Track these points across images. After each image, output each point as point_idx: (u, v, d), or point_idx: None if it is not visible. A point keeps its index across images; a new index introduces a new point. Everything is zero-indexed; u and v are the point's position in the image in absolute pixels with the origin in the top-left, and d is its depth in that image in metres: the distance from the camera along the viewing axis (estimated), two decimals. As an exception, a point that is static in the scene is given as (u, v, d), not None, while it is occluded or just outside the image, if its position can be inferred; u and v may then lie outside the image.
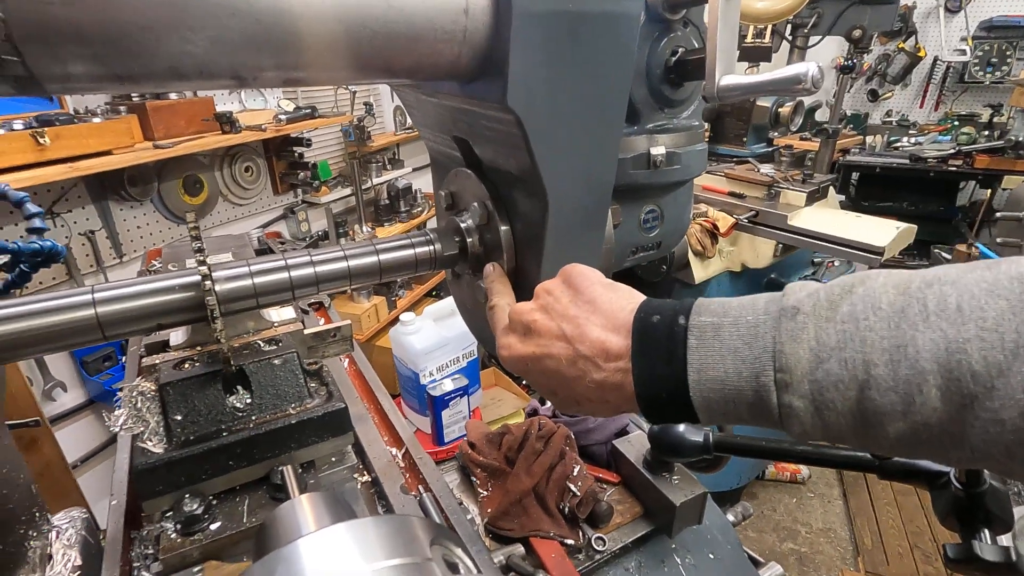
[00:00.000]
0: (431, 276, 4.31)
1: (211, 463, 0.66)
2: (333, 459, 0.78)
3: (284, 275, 0.64)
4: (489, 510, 1.01)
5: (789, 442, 0.91)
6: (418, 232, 0.74)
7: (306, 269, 0.66)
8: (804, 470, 3.46)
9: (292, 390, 0.73)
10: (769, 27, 2.98)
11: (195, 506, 0.63)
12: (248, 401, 0.71)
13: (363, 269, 0.69)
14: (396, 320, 1.97)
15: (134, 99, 2.30)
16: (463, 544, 0.34)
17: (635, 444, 1.08)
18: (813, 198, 2.47)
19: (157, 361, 0.71)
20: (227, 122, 2.51)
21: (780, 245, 2.59)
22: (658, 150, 0.76)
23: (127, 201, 2.58)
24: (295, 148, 3.41)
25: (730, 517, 1.14)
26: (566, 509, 0.98)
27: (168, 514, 0.64)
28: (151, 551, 0.67)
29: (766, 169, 2.63)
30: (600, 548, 0.93)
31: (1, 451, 0.72)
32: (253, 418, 0.70)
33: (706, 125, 2.91)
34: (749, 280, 2.62)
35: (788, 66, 0.59)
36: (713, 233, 2.41)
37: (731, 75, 0.64)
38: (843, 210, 2.60)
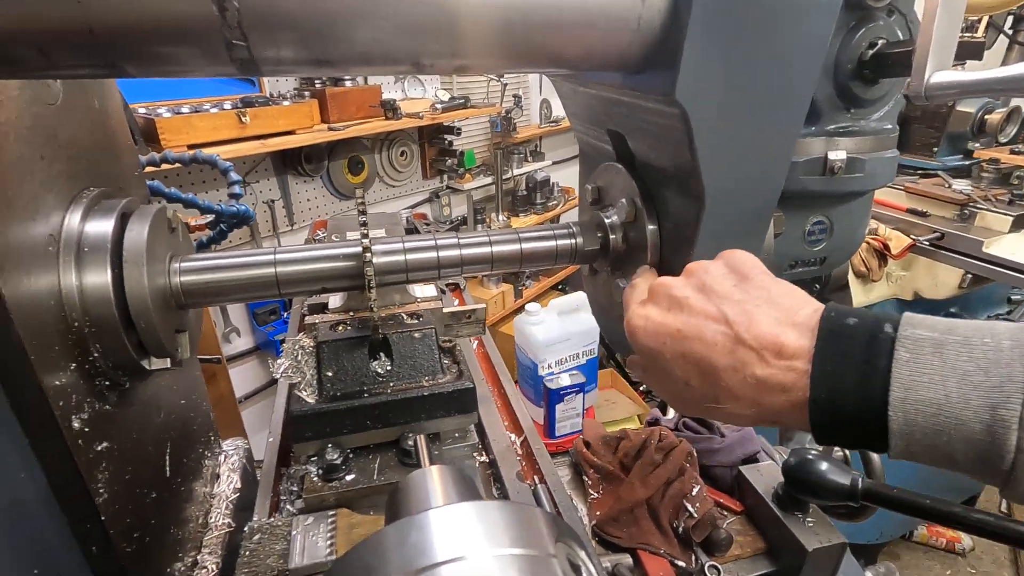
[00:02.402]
0: (560, 269, 4.33)
1: (352, 420, 0.72)
2: (456, 435, 0.82)
3: (433, 254, 0.68)
4: (599, 513, 0.98)
5: (962, 506, 0.77)
6: (561, 225, 0.73)
7: (453, 251, 0.68)
8: (966, 539, 2.93)
9: (427, 363, 0.77)
10: (984, 19, 2.52)
11: (335, 456, 0.69)
12: (388, 368, 0.76)
13: (505, 256, 0.70)
14: (521, 309, 2.00)
15: (316, 85, 2.59)
16: (586, 547, 0.33)
17: (765, 474, 0.99)
18: (1021, 223, 2.06)
19: (317, 321, 0.78)
20: (390, 109, 2.72)
21: (968, 275, 2.21)
22: (837, 155, 0.68)
23: (302, 176, 2.92)
24: (446, 136, 3.61)
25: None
26: (680, 528, 0.93)
27: (313, 459, 0.72)
28: (295, 488, 0.75)
29: (960, 185, 2.25)
30: (714, 578, 0.87)
31: (193, 380, 0.86)
32: (391, 384, 0.75)
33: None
34: (922, 312, 2.27)
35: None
36: (882, 254, 2.12)
37: (945, 71, 0.55)
38: (1062, 241, 2.14)
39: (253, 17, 0.39)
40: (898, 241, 2.13)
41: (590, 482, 1.06)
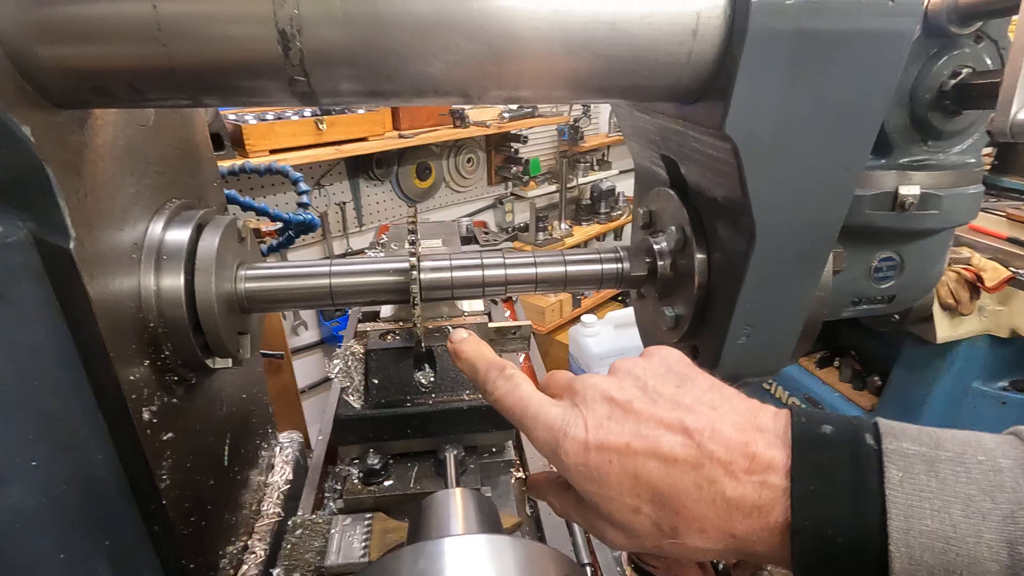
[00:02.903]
0: (619, 281, 4.27)
1: (394, 427, 0.75)
2: (493, 449, 0.83)
3: (478, 273, 0.69)
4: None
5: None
6: (608, 248, 0.73)
7: (498, 270, 0.70)
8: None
9: (469, 378, 0.79)
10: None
11: (375, 461, 0.72)
12: (432, 380, 0.78)
13: (549, 277, 0.71)
14: (578, 319, 2.00)
15: (390, 94, 2.70)
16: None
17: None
18: None
19: (368, 329, 0.82)
20: (458, 118, 2.80)
21: (1079, 315, 1.98)
22: (910, 190, 0.64)
23: (372, 180, 3.05)
24: (512, 144, 3.66)
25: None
26: (720, 566, 0.89)
27: (355, 461, 0.75)
28: (338, 487, 0.79)
29: (1074, 214, 2.03)
30: (753, 623, 0.83)
31: (254, 376, 0.92)
32: (433, 396, 0.77)
33: (987, 154, 2.34)
34: (1019, 352, 2.06)
35: None
36: (974, 286, 1.94)
37: (1037, 106, 0.50)
38: None
39: (314, 57, 0.42)
40: (994, 272, 1.94)
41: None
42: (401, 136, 2.58)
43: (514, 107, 3.33)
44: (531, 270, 0.71)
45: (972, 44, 0.61)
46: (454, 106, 3.06)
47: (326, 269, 0.66)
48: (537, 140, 4.12)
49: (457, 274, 0.69)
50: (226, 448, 0.76)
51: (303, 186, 0.97)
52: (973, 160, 0.66)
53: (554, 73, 0.47)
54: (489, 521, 0.42)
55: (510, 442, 0.85)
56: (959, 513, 0.29)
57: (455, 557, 0.30)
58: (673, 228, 0.69)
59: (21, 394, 0.47)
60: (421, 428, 0.75)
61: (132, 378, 0.53)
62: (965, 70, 0.60)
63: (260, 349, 1.04)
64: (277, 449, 1.02)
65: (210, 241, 0.61)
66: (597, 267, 0.72)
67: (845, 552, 0.30)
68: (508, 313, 1.43)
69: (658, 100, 0.54)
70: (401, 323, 0.83)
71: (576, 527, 0.76)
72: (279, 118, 2.16)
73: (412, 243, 0.63)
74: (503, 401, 0.44)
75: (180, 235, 0.60)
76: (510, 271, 0.70)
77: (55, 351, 0.50)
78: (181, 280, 0.58)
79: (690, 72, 0.48)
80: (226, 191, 0.89)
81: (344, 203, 2.96)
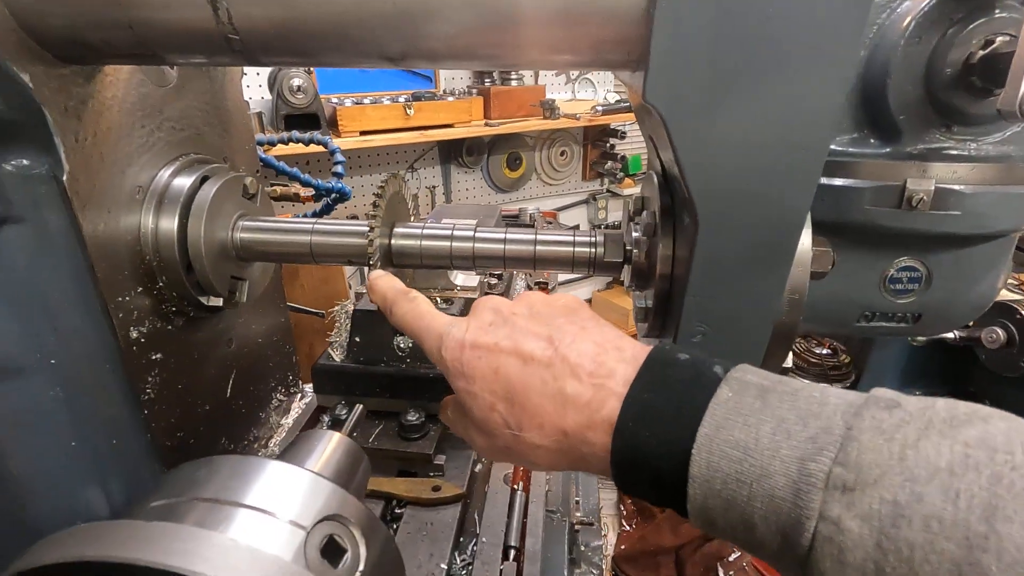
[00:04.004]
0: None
1: (365, 384, 0.79)
2: (465, 422, 0.84)
3: (446, 244, 0.71)
4: (623, 547, 0.93)
5: None
6: (584, 232, 0.71)
7: (466, 243, 0.71)
8: None
9: (446, 348, 0.81)
10: None
11: (342, 412, 0.77)
12: (410, 346, 0.81)
13: (518, 254, 0.71)
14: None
15: (485, 83, 2.78)
16: (385, 537, 0.34)
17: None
18: None
19: (363, 291, 0.87)
20: (548, 108, 2.80)
21: None
22: (920, 184, 0.54)
23: (462, 167, 3.16)
24: (609, 139, 3.58)
25: None
26: (698, 585, 0.83)
27: (325, 411, 0.81)
28: (320, 433, 0.85)
29: None
30: (717, 651, 0.76)
31: (277, 325, 1.01)
32: (407, 361, 0.80)
33: None
34: None
35: None
36: None
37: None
38: None
39: (243, 19, 0.46)
40: None
41: (625, 512, 1.00)
42: (487, 124, 2.64)
43: (613, 100, 3.26)
44: (499, 246, 0.70)
45: (1017, 6, 0.51)
46: (561, 83, 3.05)
47: (309, 227, 0.72)
48: (638, 136, 3.98)
49: (427, 243, 0.71)
50: (230, 383, 0.85)
51: (339, 157, 1.05)
52: (1017, 152, 0.55)
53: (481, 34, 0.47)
54: (345, 470, 0.43)
55: (483, 417, 0.85)
56: (767, 430, 0.28)
57: (241, 472, 0.33)
58: (646, 213, 0.65)
59: (43, 304, 0.57)
60: (390, 389, 0.79)
61: (120, 300, 0.62)
62: (999, 38, 0.50)
63: (295, 304, 1.14)
64: (298, 397, 1.12)
65: (207, 190, 0.69)
66: (568, 249, 0.70)
67: (655, 454, 0.31)
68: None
69: (606, 67, 0.52)
70: (393, 289, 0.86)
71: (517, 508, 0.75)
72: (375, 102, 2.32)
73: (375, 205, 0.66)
74: (404, 318, 0.49)
75: (183, 183, 0.68)
76: (479, 245, 0.71)
77: (70, 270, 0.59)
78: (176, 223, 0.66)
79: (612, 35, 0.46)
80: (264, 156, 0.98)
81: (434, 187, 3.11)
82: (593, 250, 0.70)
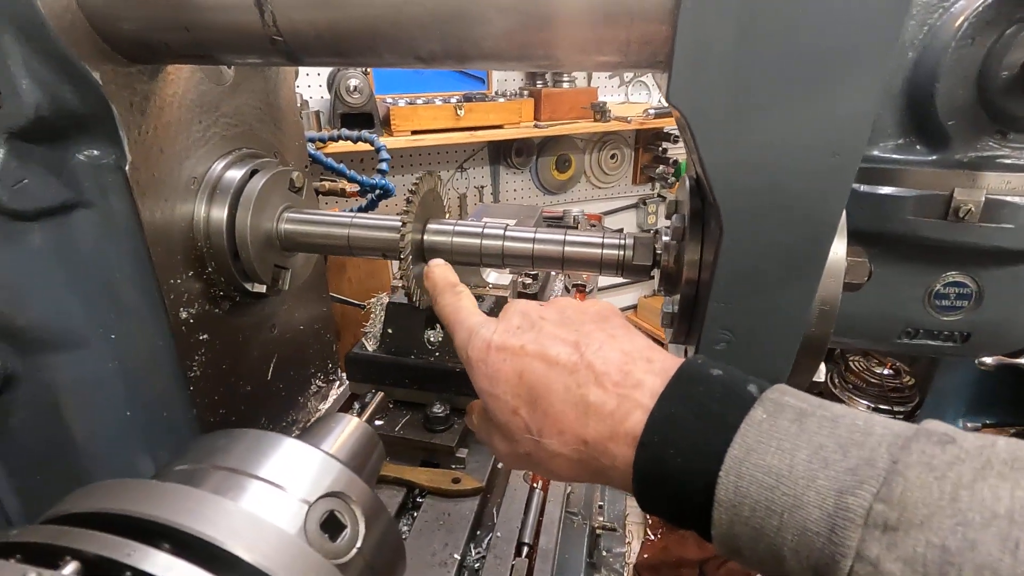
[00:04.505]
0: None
1: (395, 375, 0.82)
2: (491, 417, 0.85)
3: (476, 241, 0.72)
4: (645, 556, 0.92)
5: None
6: (613, 233, 0.71)
7: (496, 241, 0.72)
8: None
9: (474, 343, 0.83)
10: None
11: (369, 401, 0.80)
12: (440, 340, 0.83)
13: (546, 254, 0.71)
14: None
15: (536, 85, 2.79)
16: (387, 520, 0.35)
17: None
18: None
19: (400, 284, 0.90)
20: (599, 111, 2.78)
21: None
22: (969, 195, 0.51)
23: (511, 168, 3.18)
24: (662, 143, 3.52)
25: None
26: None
27: (357, 398, 0.84)
28: (352, 420, 0.89)
29: None
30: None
31: (318, 314, 1.06)
32: (436, 354, 0.82)
33: None
34: None
35: None
36: None
37: None
38: None
39: (286, 22, 0.49)
40: None
41: (651, 521, 0.99)
42: (536, 126, 2.65)
43: (665, 103, 3.18)
44: (528, 245, 0.71)
45: (1084, 13, 0.47)
46: (615, 86, 3.03)
47: (348, 220, 0.75)
48: (692, 141, 3.90)
49: (457, 240, 0.73)
50: (271, 365, 0.90)
51: (384, 154, 1.09)
52: (1081, 166, 0.51)
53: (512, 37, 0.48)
54: (359, 454, 0.45)
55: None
56: (803, 457, 0.26)
57: (259, 447, 0.35)
58: (675, 216, 0.64)
59: (106, 282, 0.63)
60: (418, 381, 0.81)
61: (172, 282, 0.67)
62: (1064, 46, 0.46)
63: (339, 295, 1.19)
64: (336, 384, 1.17)
65: (255, 183, 0.73)
66: (597, 251, 0.70)
67: (680, 472, 0.29)
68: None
69: (627, 68, 0.52)
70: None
71: (534, 508, 0.75)
72: (428, 103, 2.38)
73: (408, 202, 0.68)
74: (444, 309, 0.50)
75: (234, 175, 0.73)
76: (508, 243, 0.72)
77: (131, 252, 0.64)
78: (225, 212, 0.71)
79: (637, 35, 0.46)
80: (313, 152, 1.03)
81: (482, 187, 3.15)
82: (622, 252, 0.70)
